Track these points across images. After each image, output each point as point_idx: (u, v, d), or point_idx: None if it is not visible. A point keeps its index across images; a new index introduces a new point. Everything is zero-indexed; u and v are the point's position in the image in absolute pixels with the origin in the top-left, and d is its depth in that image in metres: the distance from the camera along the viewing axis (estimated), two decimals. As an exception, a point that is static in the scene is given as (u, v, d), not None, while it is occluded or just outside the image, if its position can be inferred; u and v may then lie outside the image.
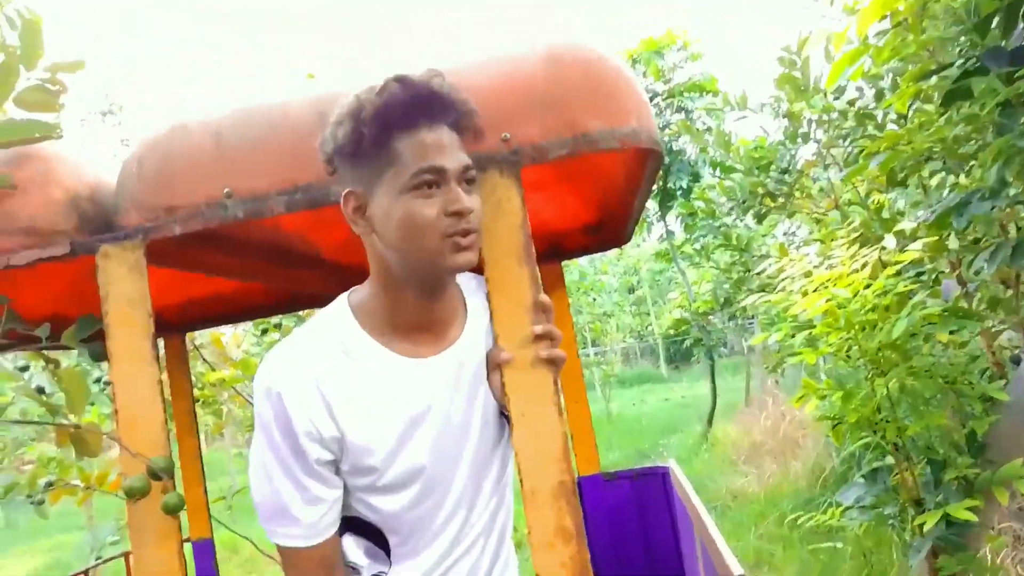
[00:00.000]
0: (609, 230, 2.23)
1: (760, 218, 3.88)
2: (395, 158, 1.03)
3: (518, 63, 1.16)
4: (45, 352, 1.32)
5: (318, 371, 1.10)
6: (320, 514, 1.12)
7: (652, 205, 8.26)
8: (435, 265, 1.06)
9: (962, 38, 2.29)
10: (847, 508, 2.80)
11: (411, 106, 1.03)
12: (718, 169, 4.21)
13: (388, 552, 1.21)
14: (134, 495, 1.09)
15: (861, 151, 3.02)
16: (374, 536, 1.21)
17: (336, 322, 1.15)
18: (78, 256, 1.20)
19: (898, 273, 2.72)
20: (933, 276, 3.13)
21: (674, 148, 7.77)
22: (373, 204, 1.06)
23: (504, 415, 1.21)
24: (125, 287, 1.17)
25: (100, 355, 1.21)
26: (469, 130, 1.09)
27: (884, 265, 2.77)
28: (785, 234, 7.16)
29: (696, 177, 7.62)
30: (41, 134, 1.21)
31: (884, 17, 2.49)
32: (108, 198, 1.23)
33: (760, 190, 3.75)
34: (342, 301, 1.19)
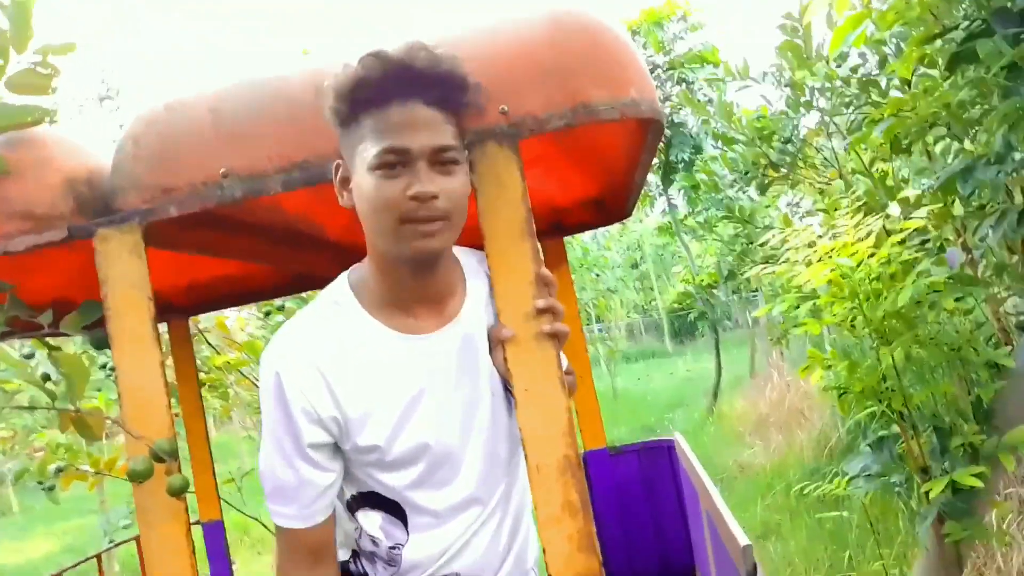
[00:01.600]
0: (611, 204, 2.21)
1: (763, 189, 3.85)
2: (365, 134, 1.02)
3: (516, 30, 1.14)
4: (47, 338, 1.31)
5: (318, 352, 1.11)
6: (312, 498, 1.14)
7: (654, 179, 8.21)
8: (395, 247, 1.05)
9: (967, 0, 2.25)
10: (853, 477, 2.81)
11: (383, 82, 1.01)
12: (720, 141, 4.17)
13: (405, 524, 1.21)
14: (138, 478, 1.10)
15: (865, 119, 2.99)
16: (391, 509, 1.21)
17: (336, 301, 1.16)
18: (76, 240, 1.19)
19: (902, 242, 2.69)
20: (938, 244, 3.11)
21: (675, 121, 7.71)
22: (352, 177, 1.06)
23: (509, 391, 1.21)
24: (124, 270, 1.17)
25: (102, 342, 1.21)
26: (465, 105, 1.06)
27: (888, 234, 2.75)
28: (788, 205, 7.12)
29: (698, 150, 7.57)
30: (34, 118, 1.20)
31: (887, -20, 2.45)
32: (105, 181, 1.22)
33: (763, 161, 3.72)
34: (342, 280, 1.19)
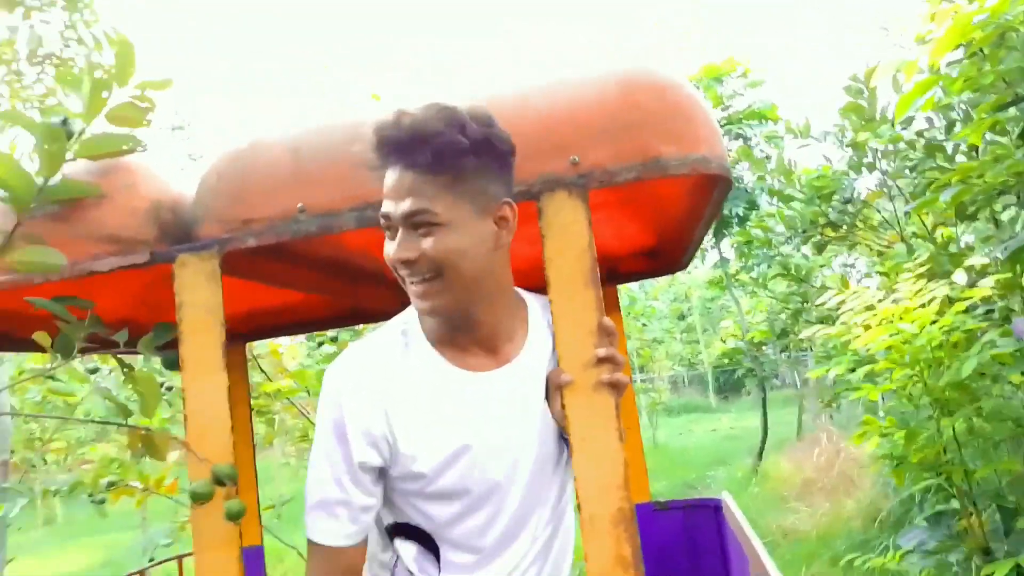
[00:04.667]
0: (667, 255, 2.21)
1: (820, 248, 3.79)
2: None
3: (590, 86, 1.17)
4: (120, 356, 1.37)
5: (380, 376, 1.15)
6: (351, 517, 1.15)
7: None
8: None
9: (1043, 69, 2.22)
10: (908, 552, 2.69)
11: (379, 149, 1.07)
12: (776, 198, 4.14)
13: (438, 559, 1.21)
14: (199, 500, 1.12)
15: (929, 183, 2.94)
16: (425, 542, 1.22)
17: (404, 331, 1.20)
18: (157, 264, 1.25)
19: (966, 310, 2.62)
20: (1004, 314, 3.01)
21: (732, 177, 7.67)
22: None
23: (564, 439, 1.20)
24: (200, 296, 1.21)
25: (173, 364, 1.25)
26: (459, 167, 1.05)
27: (952, 301, 2.68)
28: (843, 266, 6.99)
29: (753, 205, 7.51)
30: (128, 147, 1.27)
31: (958, 47, 2.43)
32: (187, 209, 1.28)
33: (821, 220, 3.68)
34: (412, 310, 1.22)
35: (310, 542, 1.18)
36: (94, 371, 2.35)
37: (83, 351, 1.30)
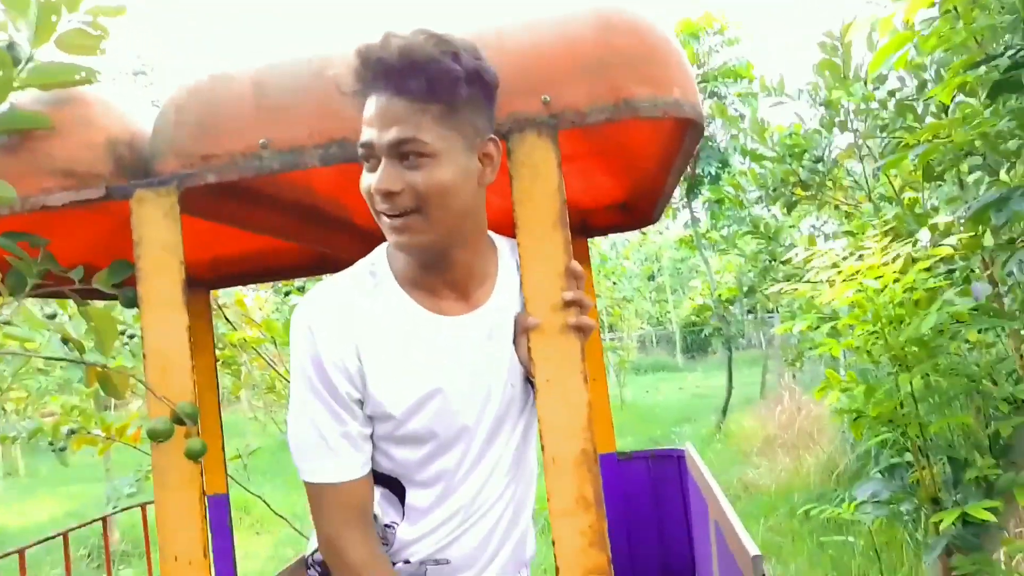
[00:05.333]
0: (638, 209, 2.21)
1: (790, 207, 3.82)
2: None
3: (563, 25, 1.14)
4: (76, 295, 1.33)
5: (350, 314, 1.13)
6: (353, 447, 1.13)
7: (679, 191, 8.19)
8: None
9: (1017, 28, 2.22)
10: (862, 502, 2.78)
11: (363, 75, 1.01)
12: (748, 157, 4.14)
13: (402, 503, 1.22)
14: (158, 437, 1.10)
15: (899, 143, 2.96)
16: (390, 486, 1.22)
17: (373, 272, 1.18)
18: (113, 200, 1.20)
19: (928, 269, 2.67)
20: (964, 274, 3.07)
21: (704, 134, 7.69)
22: None
23: (530, 381, 1.21)
24: (158, 233, 1.18)
25: (131, 301, 1.22)
26: (453, 96, 1.00)
27: (915, 261, 2.72)
28: (811, 227, 7.08)
29: (725, 164, 7.54)
30: (82, 77, 1.21)
31: (933, 4, 2.42)
32: (144, 144, 1.23)
33: (792, 179, 3.70)
34: (381, 250, 1.21)
35: (313, 487, 1.14)
36: (52, 317, 2.30)
37: (37, 289, 1.26)
